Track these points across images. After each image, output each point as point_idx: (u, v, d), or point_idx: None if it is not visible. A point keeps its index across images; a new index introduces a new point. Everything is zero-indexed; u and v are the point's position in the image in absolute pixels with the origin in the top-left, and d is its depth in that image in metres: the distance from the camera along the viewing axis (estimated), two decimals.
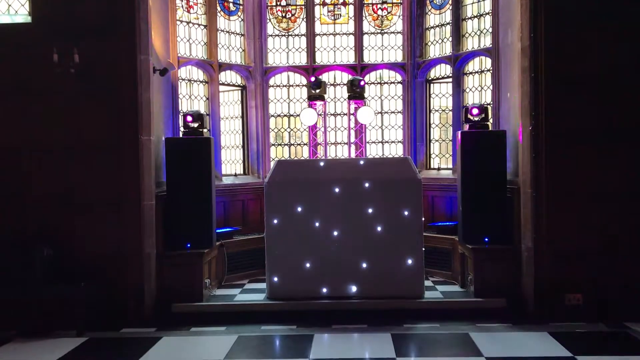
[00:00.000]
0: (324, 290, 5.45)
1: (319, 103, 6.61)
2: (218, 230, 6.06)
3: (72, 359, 4.39)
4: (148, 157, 5.26)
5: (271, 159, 7.10)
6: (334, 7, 7.16)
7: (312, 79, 6.45)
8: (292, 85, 7.22)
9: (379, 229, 5.43)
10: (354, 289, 5.44)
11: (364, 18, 7.12)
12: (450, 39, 6.69)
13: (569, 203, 5.06)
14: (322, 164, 5.71)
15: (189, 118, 5.75)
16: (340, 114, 7.14)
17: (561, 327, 4.85)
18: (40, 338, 4.81)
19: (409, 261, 5.41)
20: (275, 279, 5.50)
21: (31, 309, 4.95)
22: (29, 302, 4.94)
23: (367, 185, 5.47)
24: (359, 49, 7.09)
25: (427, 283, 5.90)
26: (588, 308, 5.02)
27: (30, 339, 4.80)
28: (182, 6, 6.49)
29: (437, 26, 6.90)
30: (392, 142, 7.13)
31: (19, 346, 4.67)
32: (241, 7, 7.05)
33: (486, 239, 5.46)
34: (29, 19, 5.30)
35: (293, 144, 7.28)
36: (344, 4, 7.15)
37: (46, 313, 4.99)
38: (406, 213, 5.43)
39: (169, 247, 5.51)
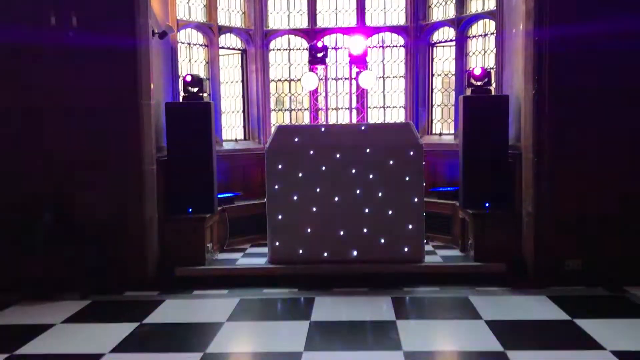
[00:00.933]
0: (325, 254, 5.48)
1: (320, 67, 6.53)
2: (219, 196, 6.07)
3: (77, 321, 4.45)
4: (148, 122, 5.23)
5: (272, 125, 7.07)
6: None
7: (315, 43, 6.37)
8: (293, 49, 7.13)
9: (380, 194, 5.43)
10: (354, 253, 5.47)
11: None
12: (454, 1, 6.57)
13: (571, 168, 5.05)
14: (323, 129, 5.68)
15: (189, 80, 5.69)
16: (341, 79, 7.08)
17: (560, 291, 4.89)
18: (44, 301, 4.86)
19: (410, 226, 5.43)
20: (277, 243, 5.53)
21: (34, 273, 4.98)
22: (32, 266, 4.97)
23: (368, 150, 5.45)
24: (360, 11, 6.97)
25: (428, 248, 5.93)
26: (588, 273, 5.06)
27: (34, 301, 4.85)
28: None
29: None
30: (394, 107, 7.08)
31: (24, 308, 4.73)
32: None
33: (487, 204, 5.47)
34: None
35: (294, 110, 7.23)
36: None
37: (49, 277, 5.02)
38: (407, 178, 5.42)
39: (170, 212, 5.53)
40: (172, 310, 4.69)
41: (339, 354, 3.73)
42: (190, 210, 5.55)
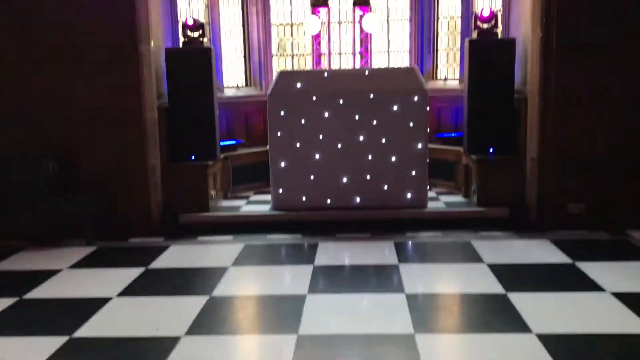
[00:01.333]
0: (328, 201, 5.50)
1: (322, 10, 6.37)
2: (222, 143, 6.04)
3: (83, 266, 4.51)
4: (148, 67, 5.15)
5: (273, 71, 6.96)
6: None
7: None
8: None
9: (383, 140, 5.40)
10: (357, 199, 5.48)
11: None
12: None
13: (576, 113, 4.99)
14: (325, 74, 5.60)
15: (190, 23, 5.56)
16: (345, 22, 6.92)
17: (563, 235, 4.92)
18: (50, 248, 4.92)
19: (413, 172, 5.42)
20: (280, 190, 5.53)
21: (40, 221, 5.03)
22: (38, 214, 5.01)
23: (371, 96, 5.38)
24: None
25: (431, 194, 5.94)
26: (590, 217, 5.07)
27: (40, 249, 4.91)
28: None
29: None
30: (398, 51, 6.95)
31: (30, 255, 4.79)
32: None
33: (491, 150, 5.44)
34: None
35: (296, 55, 7.10)
36: None
37: (55, 224, 5.07)
38: (411, 124, 5.37)
39: (173, 159, 5.51)
40: (177, 256, 4.75)
41: (342, 296, 3.78)
42: (193, 157, 5.53)
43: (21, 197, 4.96)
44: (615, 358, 2.89)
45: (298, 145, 5.45)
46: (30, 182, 4.97)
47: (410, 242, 4.95)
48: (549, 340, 3.03)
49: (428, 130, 5.50)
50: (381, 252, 4.67)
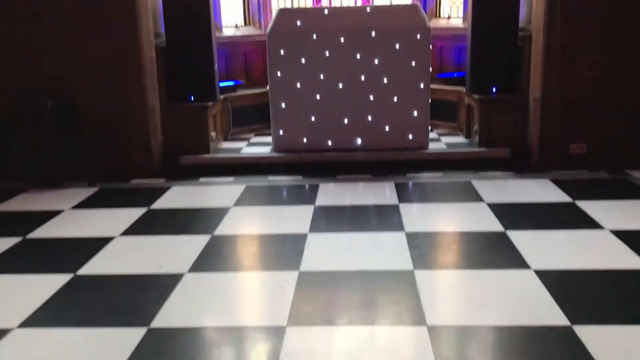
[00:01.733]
0: (329, 142, 5.47)
1: None
2: (221, 84, 5.96)
3: (86, 207, 4.54)
4: (145, 6, 5.03)
5: (273, 9, 6.80)
6: None
7: None
8: None
9: (385, 80, 5.32)
10: (359, 141, 5.45)
11: None
12: None
13: (581, 52, 4.89)
14: (326, 12, 5.47)
15: None
16: None
17: (563, 175, 4.93)
18: (52, 189, 4.94)
19: (415, 112, 5.37)
20: (281, 132, 5.50)
21: (42, 162, 5.02)
22: (39, 155, 4.99)
23: (373, 34, 5.27)
24: None
25: (432, 135, 5.91)
26: (592, 157, 5.06)
27: (42, 190, 4.93)
28: None
29: None
30: None
31: (32, 196, 4.82)
32: None
33: (494, 89, 5.37)
34: None
35: None
36: None
37: (56, 166, 5.06)
38: (413, 63, 5.29)
39: (172, 100, 5.46)
40: (178, 196, 4.77)
41: (343, 235, 3.81)
42: (193, 98, 5.47)
43: (21, 137, 4.94)
44: (611, 292, 2.93)
45: (298, 85, 5.38)
46: (30, 123, 4.93)
47: (410, 183, 4.96)
48: (547, 276, 3.07)
49: (430, 69, 5.42)
50: (382, 193, 4.68)
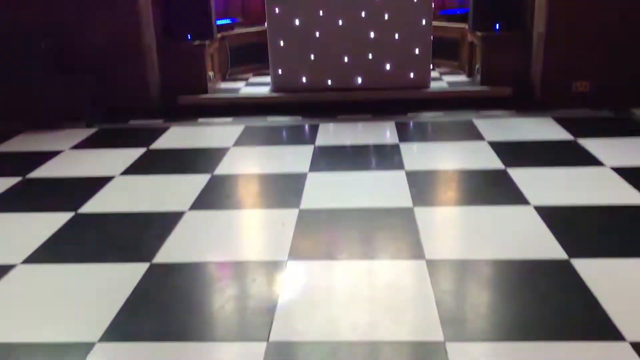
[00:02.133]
0: (329, 82, 5.39)
1: None
2: (218, 22, 5.82)
3: (84, 147, 4.52)
4: None
5: None
6: None
7: None
8: None
9: (386, 16, 5.20)
10: (359, 80, 5.37)
11: None
12: None
13: None
14: None
15: None
16: None
17: (566, 113, 4.88)
18: (50, 130, 4.91)
19: (416, 50, 5.27)
20: (279, 71, 5.42)
21: (38, 102, 4.96)
22: (34, 96, 4.93)
23: None
24: None
25: (434, 74, 5.82)
26: (594, 95, 5.00)
27: (39, 131, 4.90)
28: None
29: None
30: None
31: (30, 137, 4.79)
32: None
33: (497, 26, 5.25)
34: None
35: None
36: None
37: (53, 106, 5.01)
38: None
39: (169, 40, 5.34)
40: (178, 137, 4.74)
41: (343, 174, 3.81)
42: (189, 36, 5.36)
43: (15, 77, 4.87)
44: (609, 227, 2.95)
45: (297, 22, 5.26)
46: (25, 59, 4.85)
47: (411, 122, 4.92)
48: (546, 212, 3.08)
49: (432, 5, 5.28)
50: (382, 132, 4.65)
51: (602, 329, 2.12)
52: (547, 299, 2.32)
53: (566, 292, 2.36)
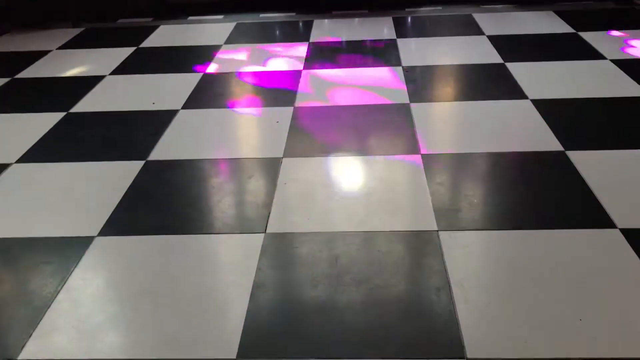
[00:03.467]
0: None
1: None
2: None
3: (73, 47, 4.39)
4: None
5: None
6: None
7: None
8: None
9: None
10: None
11: None
12: None
13: None
14: None
15: None
16: None
17: (567, 6, 4.73)
18: (36, 30, 4.75)
19: None
20: None
21: (23, 1, 4.76)
22: None
23: None
24: None
25: None
26: None
27: (25, 30, 4.74)
28: None
29: None
30: None
31: (16, 37, 4.64)
32: None
33: None
34: None
35: None
36: None
37: (38, 6, 4.81)
38: None
39: None
40: (167, 35, 4.60)
41: (338, 71, 3.73)
42: None
43: None
44: (607, 120, 2.93)
45: None
46: None
47: (409, 17, 4.76)
48: (544, 105, 3.05)
49: None
50: (379, 28, 4.51)
51: (595, 217, 2.15)
52: (541, 190, 2.34)
53: (561, 184, 2.37)
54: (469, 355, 1.58)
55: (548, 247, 2.00)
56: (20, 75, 3.83)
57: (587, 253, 1.96)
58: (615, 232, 2.05)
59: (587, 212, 2.18)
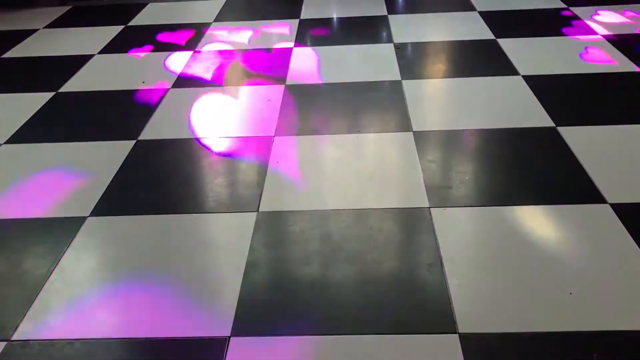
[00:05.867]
0: None
1: None
2: None
3: (60, 25, 4.32)
4: None
5: None
6: None
7: None
8: None
9: None
10: None
11: None
12: None
13: None
14: None
15: None
16: None
17: None
18: (21, 9, 4.67)
19: None
20: None
21: None
22: None
23: None
24: None
25: None
26: None
27: (12, 9, 4.66)
28: None
29: None
30: None
31: (3, 15, 4.56)
32: None
33: None
34: None
35: None
36: None
37: None
38: None
39: None
40: (156, 13, 4.53)
41: (329, 48, 3.70)
42: None
43: None
44: (598, 96, 2.94)
45: None
46: None
47: None
48: (535, 81, 3.05)
49: None
50: (370, 4, 4.47)
51: (586, 193, 2.17)
52: (532, 166, 2.35)
53: (552, 159, 2.39)
54: (460, 330, 1.60)
55: (539, 223, 2.01)
56: (6, 55, 3.78)
57: (577, 228, 1.98)
58: (606, 207, 2.07)
59: (578, 188, 2.20)
